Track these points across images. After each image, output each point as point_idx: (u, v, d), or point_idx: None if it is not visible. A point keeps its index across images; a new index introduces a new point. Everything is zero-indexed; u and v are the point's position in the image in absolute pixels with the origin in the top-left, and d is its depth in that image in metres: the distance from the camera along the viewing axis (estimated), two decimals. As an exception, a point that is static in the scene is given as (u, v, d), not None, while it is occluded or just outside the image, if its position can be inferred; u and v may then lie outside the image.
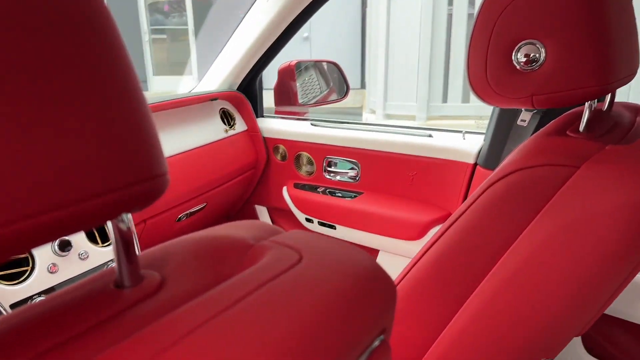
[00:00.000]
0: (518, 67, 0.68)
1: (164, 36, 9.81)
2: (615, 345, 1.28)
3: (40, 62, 0.26)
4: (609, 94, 0.82)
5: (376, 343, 0.35)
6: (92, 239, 1.12)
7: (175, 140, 1.50)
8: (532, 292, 0.67)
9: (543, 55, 0.66)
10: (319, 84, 1.93)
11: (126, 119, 0.29)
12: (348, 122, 1.71)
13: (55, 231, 0.27)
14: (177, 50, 9.90)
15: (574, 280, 0.64)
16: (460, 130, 1.47)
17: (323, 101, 1.88)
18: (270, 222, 1.67)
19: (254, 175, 1.86)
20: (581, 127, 0.75)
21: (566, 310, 0.66)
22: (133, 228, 0.32)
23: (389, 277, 0.37)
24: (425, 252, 0.80)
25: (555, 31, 0.65)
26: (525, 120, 1.11)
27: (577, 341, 1.31)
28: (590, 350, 1.30)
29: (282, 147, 1.79)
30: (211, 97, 1.69)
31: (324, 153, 1.68)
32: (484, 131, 1.35)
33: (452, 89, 6.48)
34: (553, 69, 0.66)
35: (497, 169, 0.75)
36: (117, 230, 0.33)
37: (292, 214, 1.79)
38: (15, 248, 0.26)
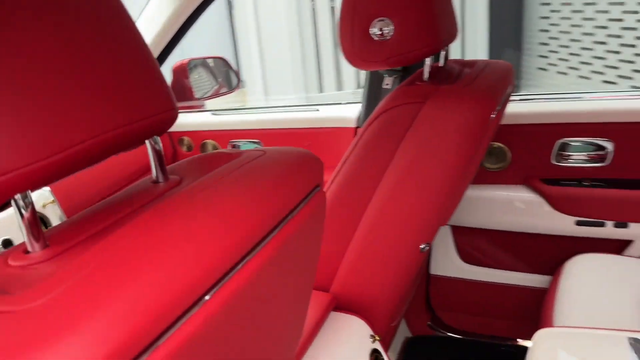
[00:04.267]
0: (375, 38, 0.96)
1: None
2: (479, 250, 1.65)
3: (80, 29, 0.42)
4: (443, 53, 1.13)
5: (315, 190, 0.59)
6: None
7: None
8: (409, 197, 0.96)
9: (392, 28, 0.94)
10: (210, 79, 2.11)
11: (142, 71, 0.48)
12: (245, 108, 1.93)
13: (102, 152, 0.44)
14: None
15: (434, 184, 0.94)
16: (340, 102, 1.76)
17: (216, 94, 2.06)
18: None
19: None
20: (424, 77, 1.05)
21: (433, 205, 0.96)
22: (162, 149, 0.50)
23: (316, 157, 0.61)
24: (331, 183, 1.06)
25: (398, 10, 0.94)
26: (388, 84, 1.42)
27: (454, 254, 1.66)
28: (464, 258, 1.67)
29: (186, 139, 1.95)
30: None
31: (227, 138, 1.87)
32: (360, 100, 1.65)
33: (326, 79, 6.90)
34: (399, 37, 0.95)
35: (371, 115, 1.03)
36: (153, 148, 0.52)
37: None
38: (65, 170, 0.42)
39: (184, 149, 1.97)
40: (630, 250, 1.41)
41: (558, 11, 4.74)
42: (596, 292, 1.18)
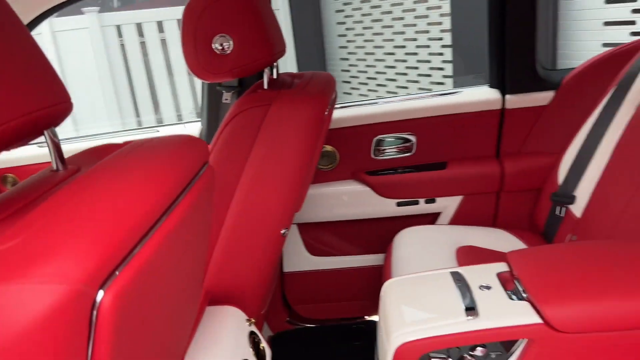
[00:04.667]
0: (218, 52, 1.07)
1: None
2: (323, 242, 1.86)
3: None
4: (275, 67, 1.29)
5: (204, 167, 0.68)
6: None
7: None
8: (267, 187, 1.09)
9: (232, 43, 1.06)
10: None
11: (36, 66, 0.52)
12: (75, 137, 1.84)
13: (3, 143, 0.47)
14: None
15: (288, 173, 1.08)
16: (182, 122, 1.81)
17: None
18: None
19: None
20: (265, 86, 1.20)
21: (288, 193, 1.10)
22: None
23: (199, 138, 0.70)
24: None
25: (235, 27, 1.06)
26: (227, 99, 1.54)
27: (303, 249, 1.83)
28: (311, 252, 1.85)
29: (10, 176, 1.79)
30: None
31: (29, 172, 1.78)
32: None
33: (142, 105, 6.69)
34: (240, 51, 1.07)
35: (223, 120, 1.14)
36: (51, 139, 0.56)
37: None
38: None
39: (9, 187, 1.80)
40: (440, 219, 1.75)
41: (352, 28, 5.37)
42: (421, 253, 1.45)
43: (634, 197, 1.21)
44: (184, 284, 0.66)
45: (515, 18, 1.58)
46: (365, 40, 5.25)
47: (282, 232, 1.13)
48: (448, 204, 1.72)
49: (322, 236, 1.85)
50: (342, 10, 5.41)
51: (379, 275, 1.82)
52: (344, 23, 5.46)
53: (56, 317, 0.36)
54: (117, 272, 0.44)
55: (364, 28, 5.21)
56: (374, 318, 1.91)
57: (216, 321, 1.02)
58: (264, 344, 1.06)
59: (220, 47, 1.06)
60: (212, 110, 1.63)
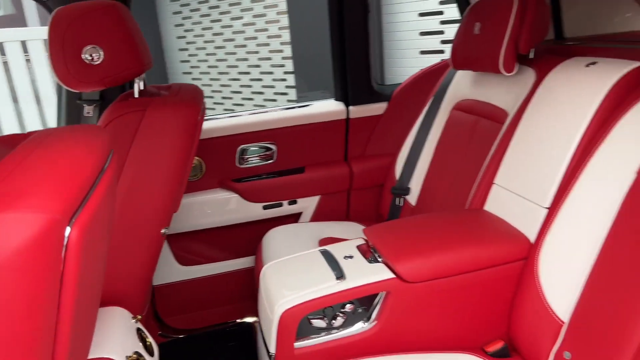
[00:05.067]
0: (87, 62, 1.11)
1: None
2: (193, 252, 1.92)
3: None
4: (143, 80, 1.34)
5: (111, 154, 0.74)
6: None
7: None
8: (147, 188, 1.16)
9: (102, 53, 1.11)
10: None
11: None
12: None
13: None
14: None
15: (166, 175, 1.17)
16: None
17: None
18: None
19: None
20: (135, 95, 1.25)
21: (167, 193, 1.19)
22: None
23: (100, 127, 0.76)
24: None
25: (104, 38, 1.11)
26: (90, 112, 1.53)
27: (172, 260, 1.87)
28: (181, 262, 1.90)
29: None
30: None
31: None
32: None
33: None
34: (110, 61, 1.12)
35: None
36: None
37: None
38: None
39: None
40: (302, 218, 1.95)
41: (194, 42, 5.40)
42: (288, 248, 1.62)
43: (452, 184, 1.55)
44: (102, 257, 0.74)
45: (352, 42, 1.86)
46: (208, 54, 5.32)
47: (162, 231, 1.21)
48: (308, 204, 1.93)
49: (191, 245, 1.92)
50: (182, 25, 5.41)
51: (250, 276, 1.95)
52: (184, 37, 5.46)
53: (39, 243, 0.44)
54: (79, 210, 0.52)
55: (206, 42, 5.28)
56: (248, 320, 2.01)
57: (105, 321, 1.06)
58: (150, 339, 1.13)
59: (90, 58, 1.10)
60: (72, 123, 1.60)
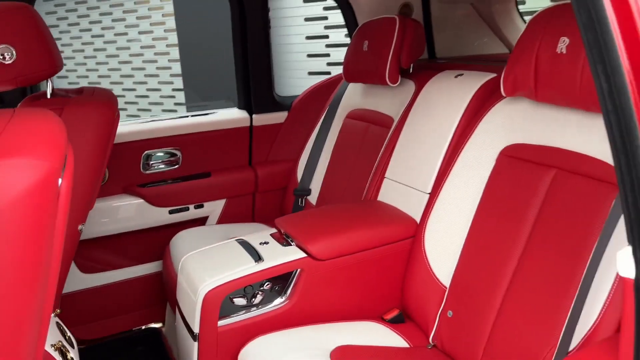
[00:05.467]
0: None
1: None
2: (96, 259, 1.88)
3: None
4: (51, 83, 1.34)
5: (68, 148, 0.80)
6: None
7: None
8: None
9: (15, 53, 1.13)
10: None
11: None
12: None
13: None
14: None
15: (84, 170, 1.20)
16: None
17: None
18: None
19: None
20: (48, 95, 1.25)
21: (85, 189, 1.22)
22: None
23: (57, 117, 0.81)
24: None
25: (16, 38, 1.12)
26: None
27: (74, 268, 1.83)
28: (83, 270, 1.86)
29: None
30: None
31: None
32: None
33: None
34: (24, 61, 1.14)
35: None
36: None
37: None
38: None
39: None
40: (209, 221, 2.02)
41: (82, 50, 5.18)
42: (196, 248, 1.67)
43: (349, 182, 1.74)
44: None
45: (255, 55, 2.00)
46: (86, 57, 5.14)
47: (79, 227, 1.23)
48: (214, 208, 2.00)
49: (95, 253, 1.89)
50: (68, 32, 5.17)
51: (157, 281, 1.96)
52: (70, 45, 5.21)
53: (41, 187, 0.50)
54: (65, 166, 0.59)
55: (95, 50, 5.11)
56: (155, 325, 2.01)
57: None
58: (69, 333, 1.15)
59: (1, 57, 1.11)
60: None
